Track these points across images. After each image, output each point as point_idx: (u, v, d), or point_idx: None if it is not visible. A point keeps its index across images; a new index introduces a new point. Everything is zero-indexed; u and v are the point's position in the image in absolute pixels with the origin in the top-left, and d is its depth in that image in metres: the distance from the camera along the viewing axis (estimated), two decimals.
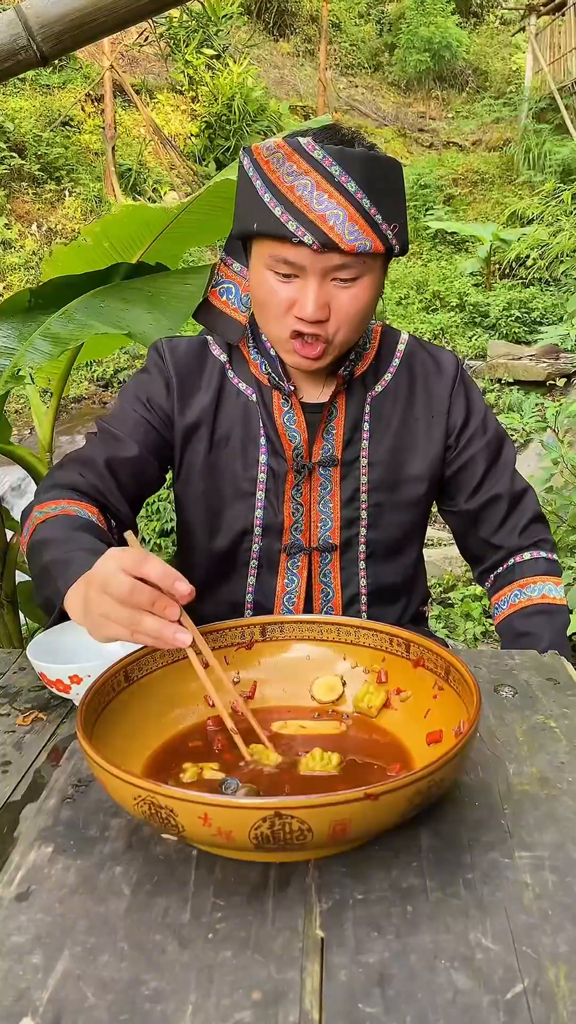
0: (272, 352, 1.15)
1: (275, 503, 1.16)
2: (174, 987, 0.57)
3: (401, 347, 1.21)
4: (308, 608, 1.20)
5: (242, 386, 1.17)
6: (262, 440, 1.15)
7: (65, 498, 1.07)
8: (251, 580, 1.19)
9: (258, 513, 1.16)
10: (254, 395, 1.17)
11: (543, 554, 1.23)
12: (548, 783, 0.79)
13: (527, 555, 1.22)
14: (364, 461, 1.17)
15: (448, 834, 0.72)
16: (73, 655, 0.99)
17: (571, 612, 2.33)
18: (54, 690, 0.93)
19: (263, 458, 1.15)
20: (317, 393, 1.17)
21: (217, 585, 1.21)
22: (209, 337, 1.20)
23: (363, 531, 1.18)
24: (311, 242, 0.96)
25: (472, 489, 1.21)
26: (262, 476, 1.15)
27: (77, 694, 0.91)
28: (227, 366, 1.18)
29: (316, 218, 0.96)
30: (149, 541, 3.92)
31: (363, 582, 1.20)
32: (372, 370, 1.19)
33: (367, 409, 1.17)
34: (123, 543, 0.94)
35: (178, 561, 1.28)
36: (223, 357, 1.19)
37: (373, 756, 0.83)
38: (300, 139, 0.98)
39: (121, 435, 1.15)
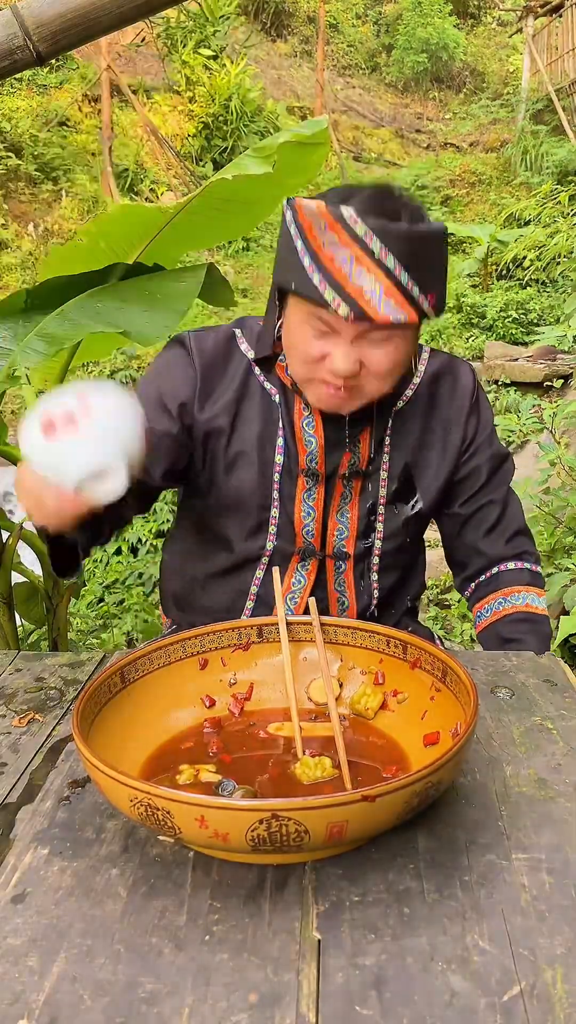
0: None
1: (288, 505, 1.17)
2: (170, 989, 0.57)
3: (422, 367, 1.21)
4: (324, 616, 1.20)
5: (267, 385, 1.17)
6: (280, 442, 1.16)
7: None
8: (258, 574, 1.21)
9: (273, 513, 1.17)
10: (278, 396, 1.17)
11: (527, 565, 1.24)
12: (545, 785, 0.79)
13: (511, 565, 1.23)
14: (384, 474, 1.19)
15: (445, 836, 0.72)
16: None
17: (567, 613, 2.34)
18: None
19: (279, 459, 1.16)
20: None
21: (227, 576, 1.23)
22: (237, 331, 1.20)
23: (379, 543, 1.20)
24: (346, 314, 0.97)
25: (470, 496, 1.23)
26: (277, 477, 1.17)
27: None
28: (253, 365, 1.18)
29: (353, 291, 0.97)
30: (145, 542, 3.91)
31: (376, 593, 1.22)
32: (398, 385, 1.18)
33: (390, 422, 1.18)
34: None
35: (183, 547, 1.29)
36: (250, 354, 1.18)
37: (370, 758, 0.82)
38: (344, 210, 0.97)
39: None
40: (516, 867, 0.68)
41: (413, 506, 1.20)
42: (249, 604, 1.21)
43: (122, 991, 0.57)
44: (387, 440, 1.18)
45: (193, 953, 0.60)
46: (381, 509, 1.19)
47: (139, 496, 1.19)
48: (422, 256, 0.99)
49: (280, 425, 1.16)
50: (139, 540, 3.94)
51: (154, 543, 3.83)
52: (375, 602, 1.22)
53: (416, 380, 1.20)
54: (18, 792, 0.80)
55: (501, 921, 0.63)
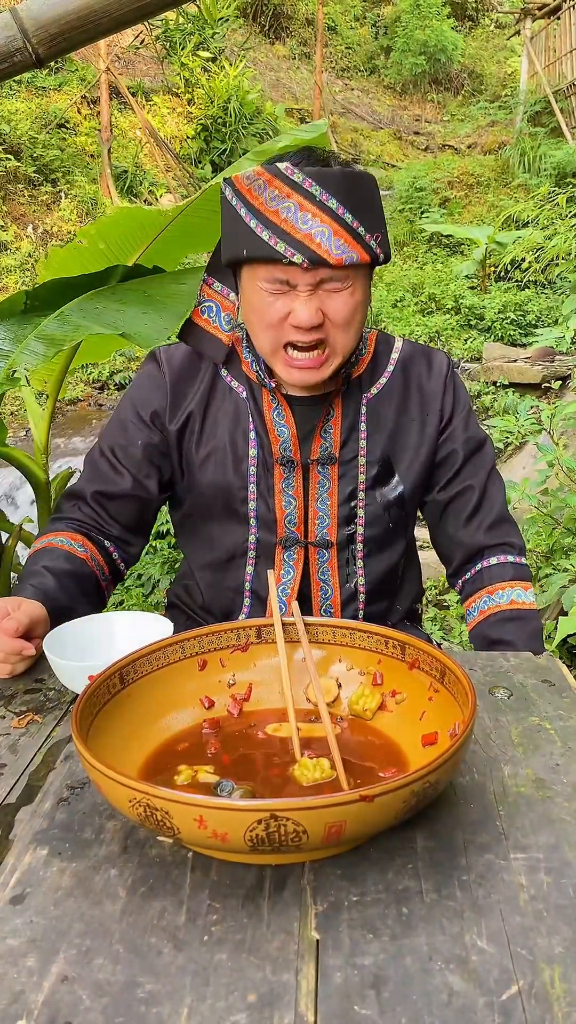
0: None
1: (267, 496, 1.19)
2: (170, 990, 0.57)
3: (395, 355, 1.24)
4: (306, 604, 1.21)
5: (234, 384, 1.21)
6: (251, 435, 1.19)
7: (59, 531, 1.20)
8: (249, 569, 1.22)
9: (251, 505, 1.19)
10: (244, 392, 1.20)
11: (510, 558, 1.24)
12: (543, 785, 0.79)
13: (494, 560, 1.23)
14: (362, 460, 1.20)
15: (443, 836, 0.72)
16: (85, 650, 1.01)
17: (566, 613, 2.34)
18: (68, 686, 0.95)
19: (253, 451, 1.19)
20: (307, 389, 1.19)
21: (220, 574, 1.24)
22: None
23: (360, 529, 1.21)
24: (300, 261, 1.01)
25: (447, 480, 1.24)
26: (252, 470, 1.19)
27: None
28: (220, 365, 1.22)
29: (303, 237, 1.01)
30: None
31: (361, 580, 1.22)
32: (368, 373, 1.22)
33: (363, 410, 1.20)
34: (122, 556, 1.25)
35: (184, 552, 1.33)
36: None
37: (368, 758, 0.83)
38: (279, 164, 1.03)
39: (117, 464, 1.22)
40: (514, 867, 0.69)
41: (394, 488, 1.21)
42: (246, 602, 1.22)
43: (121, 991, 0.57)
44: (363, 427, 1.20)
45: (192, 953, 0.60)
46: (361, 496, 1.20)
47: (137, 529, 1.26)
48: (361, 197, 1.04)
49: (250, 419, 1.19)
50: None
51: (154, 544, 3.83)
52: (362, 593, 1.22)
53: (390, 368, 1.23)
54: (17, 793, 0.80)
55: (499, 920, 0.63)
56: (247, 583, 1.22)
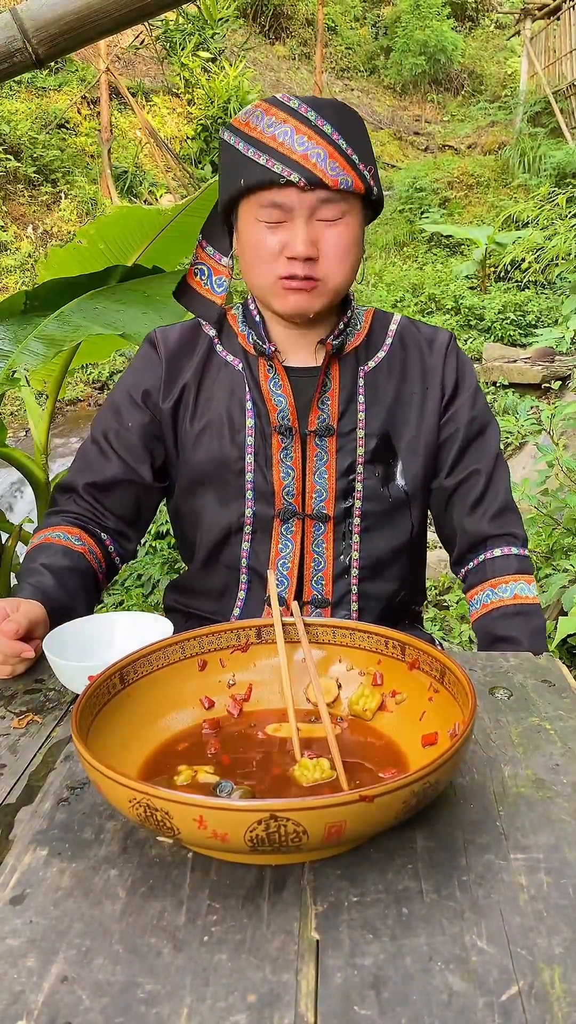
0: (257, 318, 1.19)
1: (264, 468, 1.18)
2: (169, 990, 0.57)
3: (393, 327, 1.24)
4: (300, 576, 1.20)
5: (229, 357, 1.21)
6: (248, 404, 1.18)
7: (55, 525, 1.20)
8: (246, 545, 1.20)
9: (248, 477, 1.18)
10: (240, 364, 1.20)
11: (514, 550, 1.22)
12: (543, 785, 0.79)
13: (498, 551, 1.22)
14: (361, 433, 1.19)
15: (443, 836, 0.72)
16: (85, 650, 1.01)
17: (566, 613, 2.34)
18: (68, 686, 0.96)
19: (250, 422, 1.18)
20: (303, 358, 1.19)
21: (216, 553, 1.23)
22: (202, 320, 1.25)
23: (358, 503, 1.20)
24: (297, 179, 1.04)
25: (452, 462, 1.22)
26: (250, 440, 1.18)
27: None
28: (215, 340, 1.22)
29: (300, 158, 1.05)
30: (145, 543, 3.91)
31: (355, 555, 1.21)
32: (364, 347, 1.22)
33: (361, 382, 1.20)
34: (122, 551, 1.25)
35: (179, 537, 1.31)
36: (211, 332, 1.23)
37: (368, 758, 0.83)
38: (276, 95, 1.09)
39: (106, 449, 1.22)
40: (514, 867, 0.69)
41: (400, 475, 1.20)
42: (243, 579, 1.21)
43: (121, 992, 0.57)
44: (361, 399, 1.19)
45: (192, 953, 0.60)
46: (360, 469, 1.19)
47: (133, 521, 1.26)
48: (353, 131, 1.09)
49: (247, 389, 1.19)
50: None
51: (153, 544, 3.83)
52: (355, 568, 1.20)
53: (388, 341, 1.22)
54: (17, 793, 0.80)
55: (499, 921, 0.63)
56: (244, 560, 1.21)
